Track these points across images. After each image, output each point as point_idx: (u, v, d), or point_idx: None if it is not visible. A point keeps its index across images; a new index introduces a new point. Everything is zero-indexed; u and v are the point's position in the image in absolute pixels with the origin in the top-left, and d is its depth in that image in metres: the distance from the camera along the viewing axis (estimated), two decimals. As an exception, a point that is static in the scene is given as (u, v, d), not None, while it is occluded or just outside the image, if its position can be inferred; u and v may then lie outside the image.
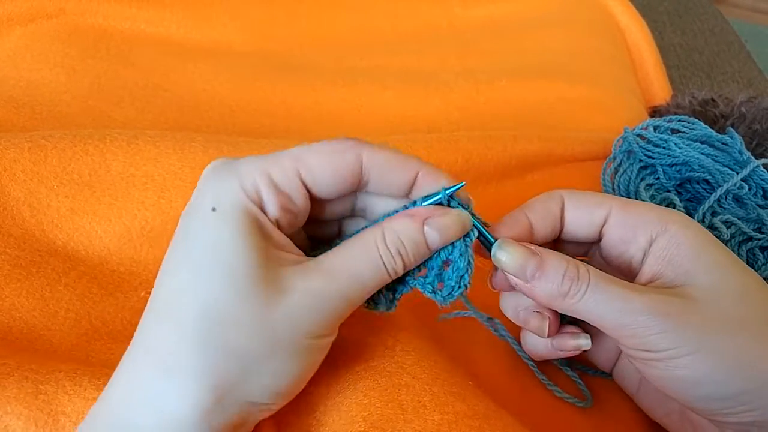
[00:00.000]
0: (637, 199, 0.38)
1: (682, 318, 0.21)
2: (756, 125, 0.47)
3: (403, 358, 0.25)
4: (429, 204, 0.23)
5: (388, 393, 0.23)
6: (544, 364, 0.29)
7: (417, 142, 0.38)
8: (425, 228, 0.22)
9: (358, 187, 0.23)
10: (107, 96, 0.42)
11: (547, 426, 0.27)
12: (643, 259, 0.24)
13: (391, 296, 0.24)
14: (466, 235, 0.23)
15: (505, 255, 0.23)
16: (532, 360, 0.29)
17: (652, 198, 0.38)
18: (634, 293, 0.22)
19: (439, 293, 0.23)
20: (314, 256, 0.23)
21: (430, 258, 0.23)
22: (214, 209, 0.21)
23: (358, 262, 0.21)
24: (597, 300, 0.22)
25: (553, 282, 0.23)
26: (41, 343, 0.27)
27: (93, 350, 0.27)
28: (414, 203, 0.23)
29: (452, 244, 0.23)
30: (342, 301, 0.21)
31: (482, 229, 0.24)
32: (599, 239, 0.26)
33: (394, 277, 0.22)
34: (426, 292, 0.23)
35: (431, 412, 0.22)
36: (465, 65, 0.52)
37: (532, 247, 0.24)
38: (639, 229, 0.24)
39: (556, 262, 0.23)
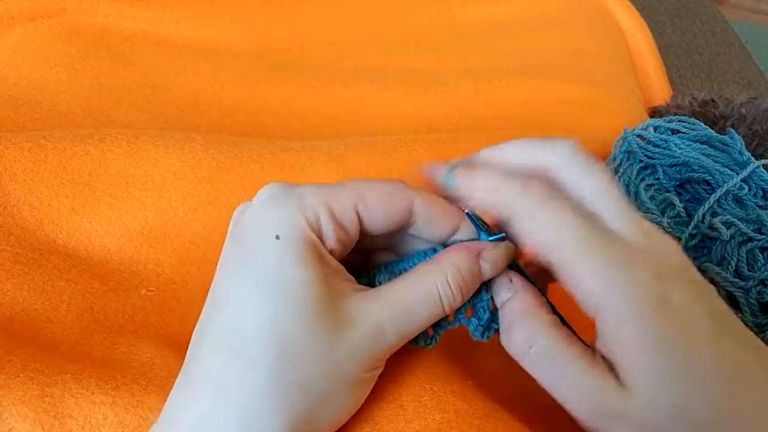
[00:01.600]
0: (636, 199, 0.39)
1: (613, 415, 0.20)
2: (756, 126, 0.47)
3: (403, 358, 0.25)
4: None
5: (388, 393, 0.23)
6: None
7: (417, 142, 0.38)
8: (480, 261, 0.23)
9: (401, 228, 0.23)
10: (107, 95, 0.42)
11: (548, 426, 0.27)
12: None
13: (430, 331, 0.24)
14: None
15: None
16: None
17: (652, 198, 0.38)
18: (571, 383, 0.21)
19: (487, 334, 0.24)
20: (360, 280, 0.23)
21: (478, 298, 0.24)
22: (277, 237, 0.20)
23: (415, 297, 0.21)
24: (535, 371, 0.22)
25: (501, 323, 0.23)
26: (44, 336, 0.27)
27: (96, 343, 0.27)
28: (443, 245, 0.24)
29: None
30: (396, 335, 0.21)
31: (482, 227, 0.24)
32: None
33: (448, 313, 0.23)
34: (476, 334, 0.24)
35: (432, 412, 0.22)
36: (465, 65, 0.52)
37: (516, 282, 0.23)
38: (579, 299, 0.21)
39: (515, 308, 0.23)
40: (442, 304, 0.22)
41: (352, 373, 0.20)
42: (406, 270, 0.23)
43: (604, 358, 0.21)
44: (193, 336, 0.21)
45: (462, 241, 0.23)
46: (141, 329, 0.28)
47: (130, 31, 0.48)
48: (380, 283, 0.23)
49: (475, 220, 0.24)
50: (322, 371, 0.20)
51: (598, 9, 0.62)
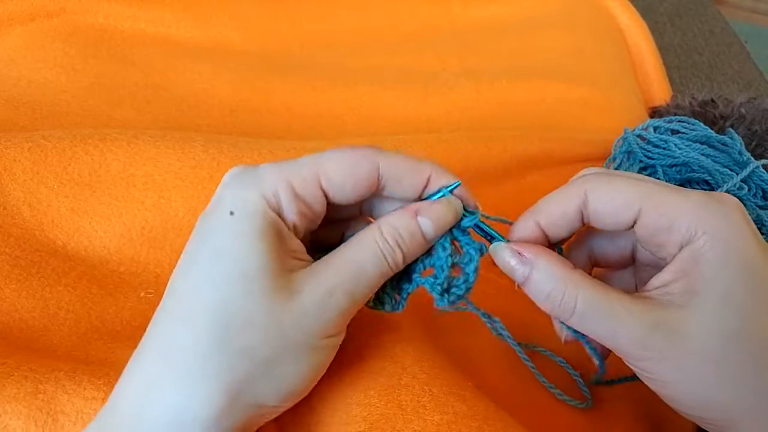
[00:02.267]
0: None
1: (662, 353, 0.22)
2: (756, 126, 0.47)
3: (402, 358, 0.25)
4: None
5: (387, 393, 0.23)
6: (545, 365, 0.29)
7: (417, 142, 0.38)
8: (419, 218, 0.23)
9: (373, 193, 0.23)
10: (107, 95, 0.42)
11: (547, 426, 0.27)
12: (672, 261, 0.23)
13: (396, 296, 0.24)
14: (478, 245, 0.24)
15: (499, 258, 0.24)
16: (537, 353, 0.29)
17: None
18: (621, 326, 0.22)
19: (446, 296, 0.24)
20: (318, 257, 0.23)
21: (436, 258, 0.24)
22: (232, 213, 0.21)
23: (359, 257, 0.22)
24: (581, 326, 0.23)
25: (537, 297, 0.23)
26: (41, 343, 0.27)
27: (92, 350, 0.27)
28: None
29: (466, 252, 0.24)
30: (347, 298, 0.22)
31: (492, 231, 0.24)
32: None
33: (396, 270, 0.23)
34: (434, 293, 0.24)
35: (431, 413, 0.22)
36: (465, 66, 0.52)
37: (527, 254, 0.23)
38: (670, 235, 0.22)
39: (541, 281, 0.23)
40: (386, 260, 0.22)
41: (302, 341, 0.21)
42: (411, 271, 0.24)
43: (652, 291, 0.23)
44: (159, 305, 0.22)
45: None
46: (137, 334, 0.28)
47: (130, 31, 0.48)
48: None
49: (482, 222, 0.24)
50: (267, 340, 0.20)
51: (598, 9, 0.62)
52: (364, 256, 0.22)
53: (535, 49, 0.55)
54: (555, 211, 0.24)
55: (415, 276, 0.24)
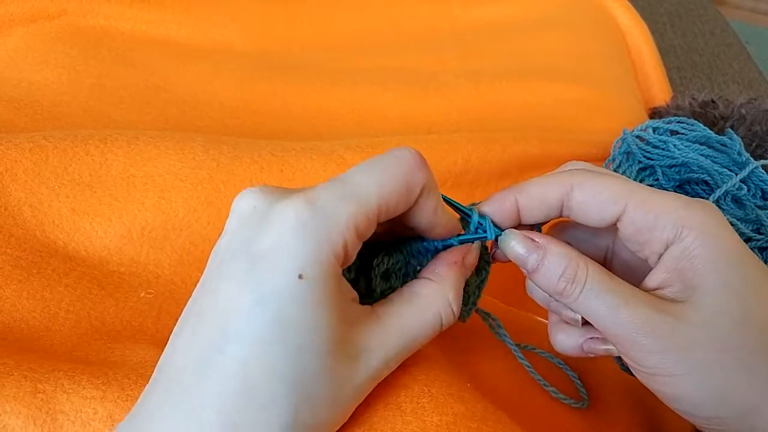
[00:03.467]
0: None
1: (666, 342, 0.21)
2: (756, 127, 0.47)
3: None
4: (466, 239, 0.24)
5: (386, 394, 0.23)
6: (542, 367, 0.29)
7: (417, 143, 0.38)
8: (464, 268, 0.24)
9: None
10: (108, 96, 0.42)
11: (545, 427, 0.27)
12: (657, 261, 0.23)
13: None
14: (487, 258, 0.26)
15: (511, 247, 0.24)
16: (533, 354, 0.29)
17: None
18: (627, 306, 0.22)
19: (465, 315, 0.25)
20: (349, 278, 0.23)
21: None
22: (301, 276, 0.18)
23: (418, 327, 0.22)
24: (588, 306, 0.23)
25: (550, 280, 0.23)
26: (41, 344, 0.27)
27: (92, 350, 0.27)
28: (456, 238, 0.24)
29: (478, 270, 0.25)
30: (397, 364, 0.22)
31: (462, 207, 0.25)
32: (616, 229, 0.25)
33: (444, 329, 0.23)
34: (465, 313, 0.25)
35: (430, 414, 0.23)
36: (465, 66, 0.52)
37: (539, 239, 0.24)
38: (654, 233, 0.23)
39: (555, 260, 0.23)
40: (442, 324, 0.23)
41: (355, 403, 0.21)
42: (404, 275, 0.24)
43: (653, 292, 0.23)
44: (177, 338, 0.20)
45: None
46: (138, 334, 0.28)
47: (130, 32, 0.48)
48: (380, 292, 0.24)
49: (487, 223, 0.25)
50: (331, 409, 0.20)
51: (598, 10, 0.62)
52: (423, 326, 0.22)
53: (535, 50, 0.55)
54: (536, 193, 0.24)
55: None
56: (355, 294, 0.22)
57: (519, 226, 0.25)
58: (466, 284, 0.25)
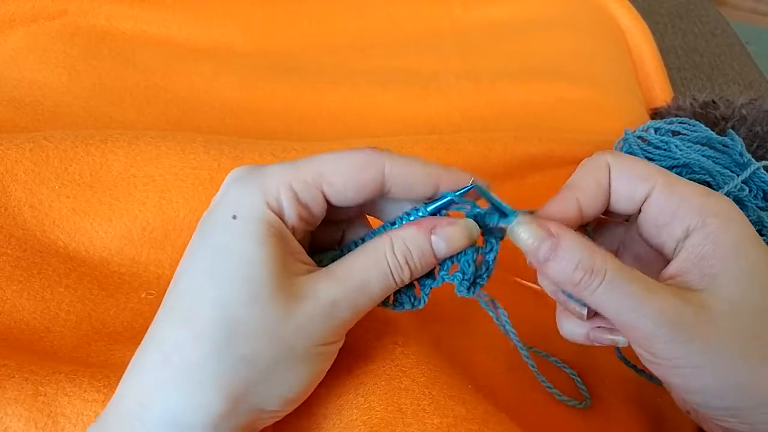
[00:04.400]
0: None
1: (690, 331, 0.21)
2: (757, 127, 0.47)
3: (402, 362, 0.25)
4: (436, 207, 0.23)
5: (387, 396, 0.23)
6: (542, 368, 0.29)
7: (418, 143, 0.38)
8: (432, 237, 0.23)
9: (378, 196, 0.23)
10: (109, 96, 0.42)
11: (546, 428, 0.27)
12: (675, 249, 0.23)
13: (417, 291, 0.24)
14: (498, 234, 0.24)
15: (521, 234, 0.23)
16: (533, 354, 0.28)
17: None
18: (648, 297, 0.21)
19: (472, 289, 0.24)
20: (317, 260, 0.23)
21: (462, 254, 0.24)
22: (234, 217, 0.21)
23: (366, 271, 0.22)
24: (608, 297, 0.22)
25: (565, 269, 0.22)
26: (42, 344, 0.27)
27: (93, 351, 0.27)
28: (424, 206, 0.23)
29: (487, 241, 0.24)
30: (350, 309, 0.22)
31: (500, 204, 0.24)
32: (638, 212, 0.24)
33: (401, 285, 0.23)
34: (461, 288, 0.24)
35: (430, 416, 0.22)
36: (466, 67, 0.52)
37: (553, 228, 0.23)
38: (677, 216, 0.22)
39: (571, 248, 0.22)
40: (392, 276, 0.22)
41: (303, 348, 0.21)
42: None
43: (671, 280, 0.22)
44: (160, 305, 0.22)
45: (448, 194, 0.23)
46: (139, 335, 0.28)
47: (131, 32, 0.48)
48: None
49: (497, 201, 0.23)
50: (268, 347, 0.20)
51: (599, 10, 0.62)
52: (370, 270, 0.22)
53: (535, 50, 0.55)
54: (591, 184, 0.24)
55: (442, 273, 0.24)
56: (305, 257, 0.22)
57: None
58: (463, 255, 0.23)
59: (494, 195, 0.24)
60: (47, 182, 0.31)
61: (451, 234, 0.23)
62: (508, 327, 0.27)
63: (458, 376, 0.25)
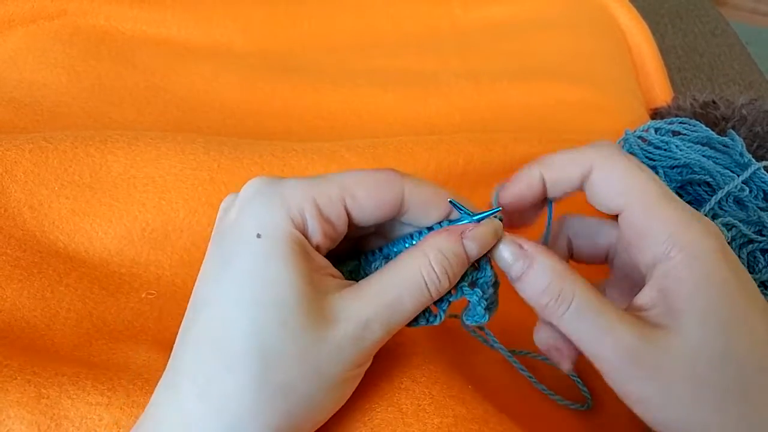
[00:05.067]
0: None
1: (648, 370, 0.21)
2: (757, 127, 0.47)
3: (402, 362, 0.25)
4: (455, 225, 0.23)
5: (387, 397, 0.23)
6: (544, 366, 0.29)
7: (418, 143, 0.38)
8: (464, 241, 0.22)
9: (395, 216, 0.23)
10: (108, 97, 0.42)
11: (547, 428, 0.27)
12: (645, 274, 0.23)
13: (433, 308, 0.23)
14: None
15: (497, 249, 0.23)
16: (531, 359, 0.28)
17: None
18: (610, 331, 0.21)
19: (488, 314, 0.23)
20: (346, 273, 0.22)
21: (482, 274, 0.23)
22: (259, 236, 0.20)
23: (398, 286, 0.21)
24: (573, 326, 0.22)
25: (533, 291, 0.22)
26: (42, 342, 0.27)
27: (94, 350, 0.27)
28: (438, 224, 0.23)
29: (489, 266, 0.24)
30: (383, 329, 0.21)
31: (468, 212, 0.24)
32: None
33: (437, 298, 0.22)
34: (479, 308, 0.23)
35: (431, 416, 0.22)
36: (466, 67, 0.52)
37: (527, 247, 0.23)
38: (644, 242, 0.22)
39: (541, 271, 0.22)
40: (429, 290, 0.21)
41: (335, 373, 0.20)
42: (393, 256, 0.23)
43: (637, 312, 0.22)
44: (177, 335, 0.21)
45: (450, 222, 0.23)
46: (140, 334, 0.28)
47: (131, 32, 0.48)
48: (367, 273, 0.23)
49: (459, 206, 0.23)
50: (304, 374, 0.20)
51: (600, 10, 0.62)
52: (405, 287, 0.21)
53: (536, 50, 0.55)
54: (560, 167, 0.24)
55: (462, 285, 0.23)
56: (333, 270, 0.22)
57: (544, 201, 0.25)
58: (466, 278, 0.23)
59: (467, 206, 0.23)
60: (47, 183, 0.31)
61: (481, 234, 0.22)
62: (496, 345, 0.27)
63: (459, 376, 0.25)
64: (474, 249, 0.22)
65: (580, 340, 0.22)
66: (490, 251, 0.23)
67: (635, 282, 0.24)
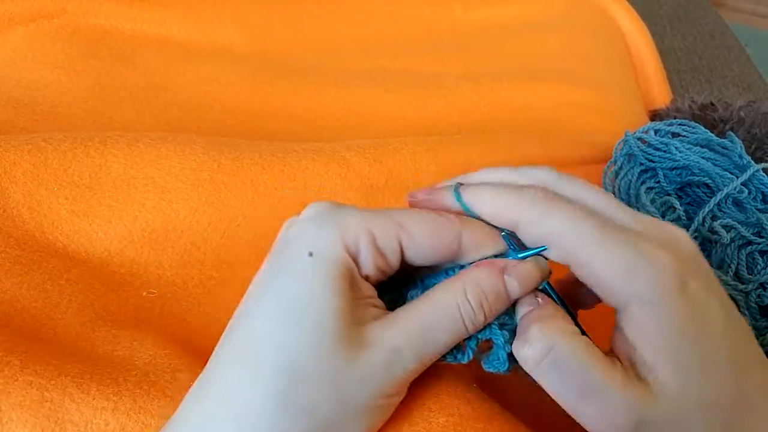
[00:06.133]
0: (637, 202, 0.39)
1: (638, 428, 0.20)
2: (755, 129, 0.47)
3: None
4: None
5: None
6: None
7: (418, 144, 0.38)
8: (505, 277, 0.21)
9: (451, 259, 0.22)
10: (108, 97, 0.42)
11: (554, 426, 0.27)
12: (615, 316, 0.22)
13: (463, 345, 0.22)
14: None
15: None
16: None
17: (652, 201, 0.38)
18: (598, 393, 0.20)
19: (509, 362, 0.22)
20: (387, 300, 0.22)
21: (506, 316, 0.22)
22: (311, 254, 0.20)
23: (434, 317, 0.21)
24: (550, 378, 0.21)
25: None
26: (44, 332, 0.27)
27: (97, 339, 0.27)
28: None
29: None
30: (416, 358, 0.20)
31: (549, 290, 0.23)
32: None
33: (472, 332, 0.22)
34: (504, 351, 0.22)
35: (436, 415, 0.22)
36: (466, 68, 0.52)
37: (541, 298, 0.22)
38: (602, 293, 0.21)
39: (539, 329, 0.21)
40: (464, 322, 0.21)
41: (364, 398, 0.20)
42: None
43: (623, 362, 0.21)
44: (219, 342, 0.21)
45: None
46: (142, 324, 0.28)
47: (131, 32, 0.48)
48: (405, 303, 0.22)
49: (511, 240, 0.23)
50: (332, 397, 0.19)
51: (599, 12, 0.62)
52: (440, 316, 0.21)
53: (535, 51, 0.55)
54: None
55: (493, 325, 0.22)
56: (377, 301, 0.22)
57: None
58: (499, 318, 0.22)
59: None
60: (46, 184, 0.31)
61: (525, 272, 0.21)
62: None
63: (464, 374, 0.25)
64: (516, 286, 0.21)
65: (560, 397, 0.21)
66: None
67: None
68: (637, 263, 0.20)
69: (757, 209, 0.37)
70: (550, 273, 0.23)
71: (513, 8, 0.61)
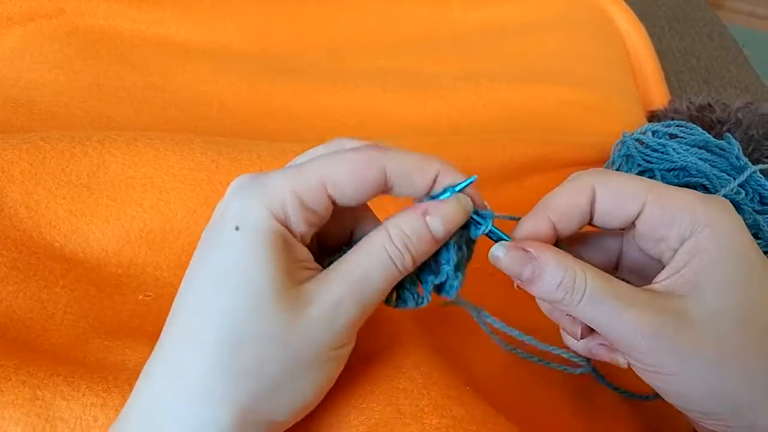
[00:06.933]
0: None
1: (670, 340, 0.21)
2: (752, 131, 0.47)
3: (400, 362, 0.25)
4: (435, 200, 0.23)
5: (385, 397, 0.23)
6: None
7: (417, 144, 0.38)
8: (427, 218, 0.22)
9: (381, 192, 0.23)
10: (106, 97, 0.42)
11: (546, 428, 0.27)
12: (671, 258, 0.23)
13: (419, 289, 0.24)
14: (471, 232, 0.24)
15: (502, 258, 0.23)
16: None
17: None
18: (627, 308, 0.22)
19: (459, 273, 0.24)
20: (327, 264, 0.23)
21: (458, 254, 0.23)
22: (237, 228, 0.21)
23: (366, 263, 0.22)
24: (590, 311, 0.22)
25: (548, 289, 0.23)
26: (39, 342, 0.27)
27: (90, 348, 0.27)
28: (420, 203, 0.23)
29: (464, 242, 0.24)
30: (356, 306, 0.21)
31: (498, 232, 0.24)
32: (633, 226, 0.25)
33: (405, 273, 0.22)
34: (454, 287, 0.23)
35: (429, 417, 0.23)
36: (465, 68, 0.52)
37: (533, 248, 0.23)
38: (672, 228, 0.23)
39: (552, 270, 0.23)
40: (394, 264, 0.22)
41: (312, 355, 0.21)
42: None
43: (653, 289, 0.23)
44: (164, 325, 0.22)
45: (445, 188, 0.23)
46: (136, 333, 0.28)
47: (129, 32, 0.48)
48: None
49: (488, 218, 0.24)
50: (275, 358, 0.20)
51: (598, 13, 0.63)
52: (371, 262, 0.22)
53: (534, 52, 0.55)
54: (566, 205, 0.24)
55: (444, 268, 0.23)
56: (312, 264, 0.22)
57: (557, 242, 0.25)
58: (437, 257, 0.23)
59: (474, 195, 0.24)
60: (44, 183, 0.31)
61: (445, 211, 0.23)
62: (495, 338, 0.27)
63: (457, 376, 0.25)
64: (438, 227, 0.22)
65: (599, 325, 0.23)
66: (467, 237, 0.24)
67: (646, 277, 0.24)
68: (707, 199, 0.23)
69: (754, 210, 0.37)
70: (482, 215, 0.24)
71: (512, 9, 0.61)
